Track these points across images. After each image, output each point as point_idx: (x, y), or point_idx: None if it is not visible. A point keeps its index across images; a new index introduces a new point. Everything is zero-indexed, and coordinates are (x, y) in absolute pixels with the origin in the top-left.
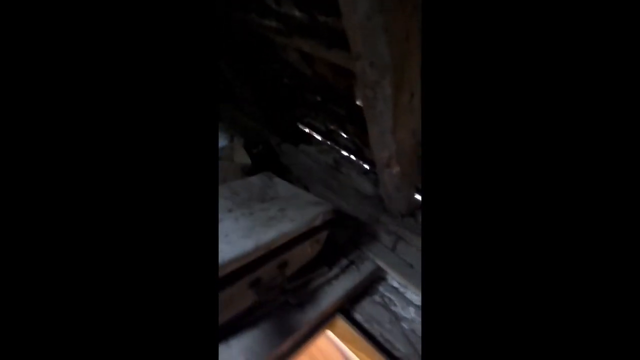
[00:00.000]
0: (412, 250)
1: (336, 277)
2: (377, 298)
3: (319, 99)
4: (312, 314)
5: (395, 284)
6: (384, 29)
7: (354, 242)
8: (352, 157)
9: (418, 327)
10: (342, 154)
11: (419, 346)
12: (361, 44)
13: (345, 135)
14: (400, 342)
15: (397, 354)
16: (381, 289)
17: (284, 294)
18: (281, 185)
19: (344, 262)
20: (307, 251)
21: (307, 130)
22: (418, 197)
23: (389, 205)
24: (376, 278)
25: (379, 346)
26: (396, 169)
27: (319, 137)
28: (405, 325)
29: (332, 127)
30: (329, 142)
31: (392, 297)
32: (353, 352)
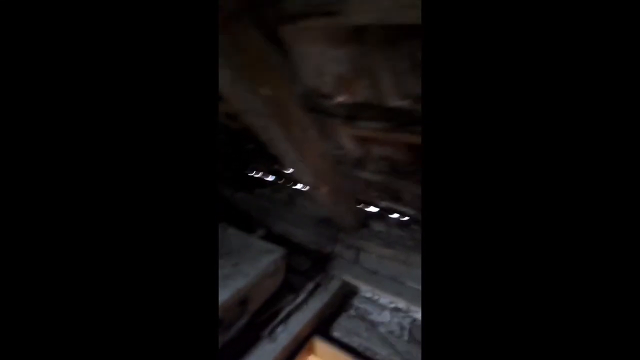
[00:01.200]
0: (373, 257)
1: (305, 301)
2: (352, 312)
3: (252, 146)
4: (284, 341)
5: (368, 294)
6: (249, 91)
7: (319, 265)
8: (303, 188)
9: (395, 327)
10: (294, 188)
11: (398, 344)
12: (239, 103)
13: (288, 172)
14: (379, 346)
15: (378, 358)
16: (355, 302)
17: (253, 328)
18: (234, 236)
19: (310, 285)
20: (268, 284)
21: (258, 175)
22: (364, 208)
23: (340, 222)
24: (348, 293)
25: (360, 356)
26: (324, 189)
27: (270, 178)
28: (382, 329)
29: (275, 166)
30: (279, 181)
31: (367, 307)
32: None
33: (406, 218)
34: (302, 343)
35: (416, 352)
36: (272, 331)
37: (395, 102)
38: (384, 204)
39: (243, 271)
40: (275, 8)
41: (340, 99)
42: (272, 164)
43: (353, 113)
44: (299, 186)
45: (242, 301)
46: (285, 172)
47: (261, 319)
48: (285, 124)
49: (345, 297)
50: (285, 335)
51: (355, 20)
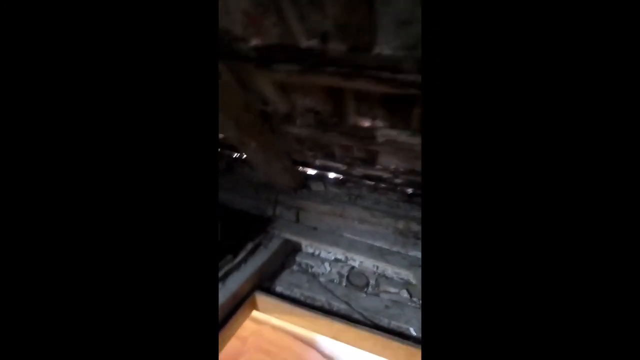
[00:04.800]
0: (312, 215)
1: (244, 260)
2: (295, 268)
3: None
4: (222, 298)
5: (310, 250)
6: None
7: (260, 227)
8: (243, 155)
9: (334, 276)
10: (232, 156)
11: (336, 290)
12: None
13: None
14: (320, 293)
15: (317, 303)
16: (298, 258)
17: None
18: None
19: (250, 245)
20: None
21: None
22: (303, 170)
23: (278, 183)
24: (291, 251)
25: (301, 303)
26: (252, 144)
27: None
28: (322, 279)
29: None
30: (217, 150)
31: (309, 262)
32: (279, 319)
33: (341, 177)
34: (242, 299)
35: (352, 294)
36: None
37: (304, 42)
38: (319, 162)
39: None
40: None
41: (254, 41)
42: None
43: (267, 56)
44: (236, 154)
45: None
46: (219, 137)
47: None
48: None
49: (288, 255)
50: (223, 293)
51: None
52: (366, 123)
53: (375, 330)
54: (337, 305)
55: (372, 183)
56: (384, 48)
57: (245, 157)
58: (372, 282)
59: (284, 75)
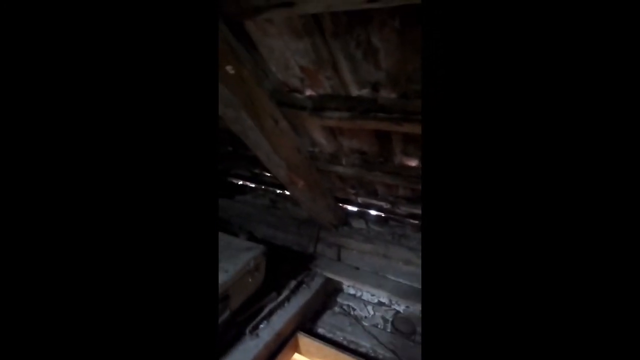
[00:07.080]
0: (354, 253)
1: (287, 299)
2: (336, 309)
3: (230, 149)
4: (267, 337)
5: (352, 291)
6: (219, 80)
7: (302, 264)
8: (286, 192)
9: (377, 320)
10: (277, 192)
11: (381, 336)
12: None
13: (268, 174)
14: (363, 338)
15: (362, 350)
16: (339, 299)
17: (236, 325)
18: None
19: (293, 283)
20: (248, 282)
21: (239, 182)
22: (344, 206)
23: (320, 220)
24: (332, 291)
25: (344, 348)
26: (300, 183)
27: (252, 185)
28: (365, 323)
29: (255, 170)
30: (262, 186)
31: (350, 303)
32: None
33: (383, 215)
34: (285, 340)
35: (398, 342)
36: (255, 328)
37: (356, 91)
38: (361, 200)
39: (222, 268)
40: (238, 1)
41: (309, 92)
42: (252, 167)
43: (320, 104)
44: (280, 191)
45: (222, 297)
46: (266, 175)
47: (244, 316)
48: (257, 116)
49: (329, 295)
50: (267, 332)
51: (308, 9)
52: (412, 163)
53: None
54: (383, 354)
55: (417, 222)
56: None
57: (288, 194)
58: (419, 329)
59: (336, 122)
